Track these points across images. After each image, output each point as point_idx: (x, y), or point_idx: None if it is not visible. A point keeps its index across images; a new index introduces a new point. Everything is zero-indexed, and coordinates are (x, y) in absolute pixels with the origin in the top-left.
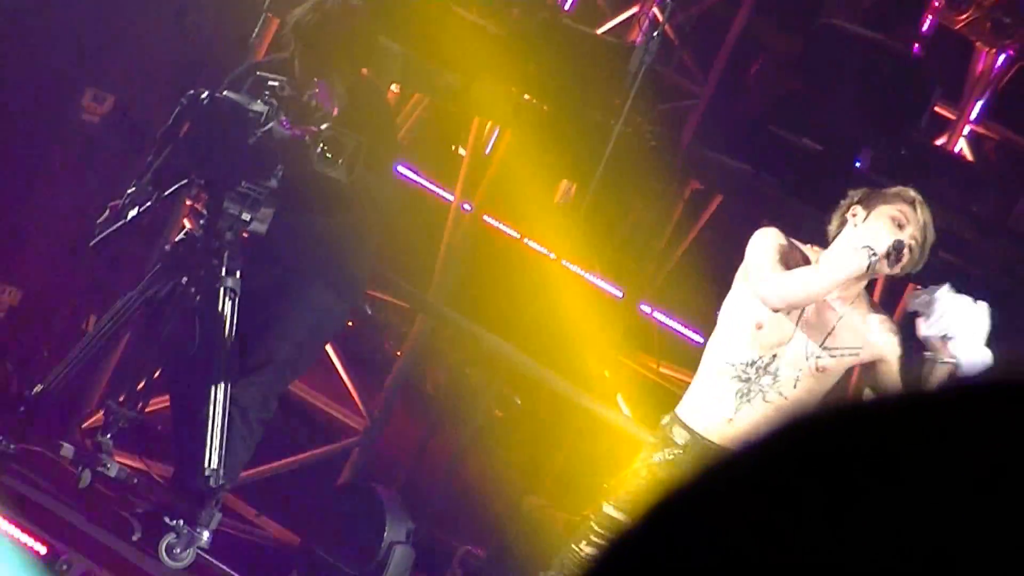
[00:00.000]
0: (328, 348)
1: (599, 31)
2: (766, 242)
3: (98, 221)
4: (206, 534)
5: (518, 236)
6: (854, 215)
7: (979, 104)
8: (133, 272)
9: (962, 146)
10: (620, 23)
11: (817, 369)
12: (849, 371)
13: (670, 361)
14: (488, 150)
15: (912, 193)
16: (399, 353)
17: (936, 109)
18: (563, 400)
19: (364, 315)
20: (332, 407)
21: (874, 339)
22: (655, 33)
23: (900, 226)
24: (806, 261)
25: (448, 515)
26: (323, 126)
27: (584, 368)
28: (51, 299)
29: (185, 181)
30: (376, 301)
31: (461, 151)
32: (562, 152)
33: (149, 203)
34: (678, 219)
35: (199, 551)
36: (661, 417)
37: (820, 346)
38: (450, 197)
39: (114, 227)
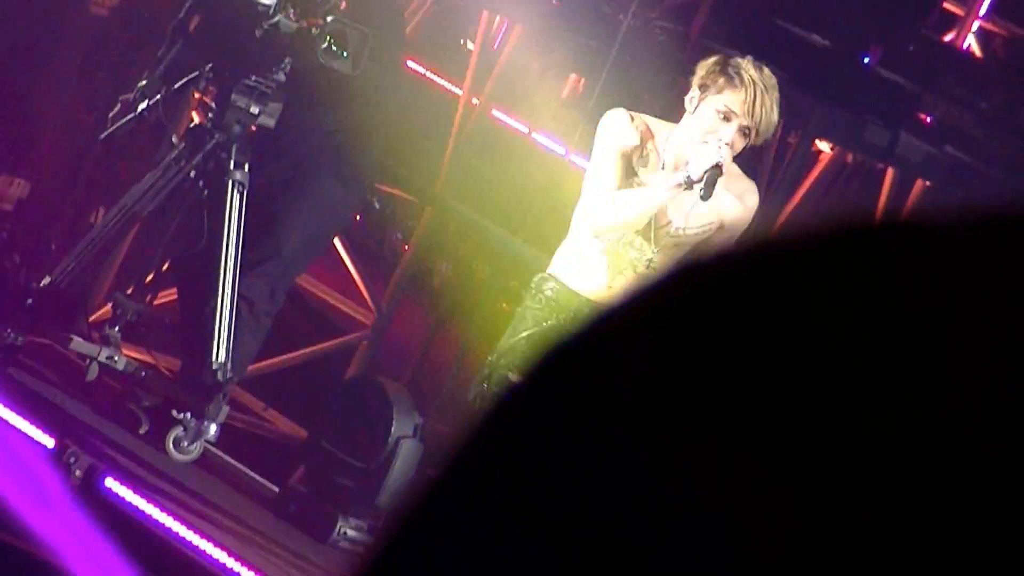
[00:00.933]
0: (335, 241)
1: None
2: (608, 144)
3: (109, 115)
4: (213, 427)
5: (526, 131)
6: (691, 99)
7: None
8: (142, 166)
9: (970, 42)
10: None
11: (675, 246)
12: None
13: None
14: (496, 45)
15: (744, 71)
16: (406, 247)
17: (944, 5)
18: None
19: (371, 208)
20: (339, 301)
21: (725, 209)
22: None
23: (727, 119)
24: (647, 138)
25: (455, 409)
26: (329, 18)
27: None
28: (59, 192)
29: (194, 74)
30: (383, 195)
31: (469, 45)
32: (570, 46)
33: (159, 96)
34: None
35: (206, 444)
36: None
37: (678, 227)
38: (458, 91)
39: (124, 120)
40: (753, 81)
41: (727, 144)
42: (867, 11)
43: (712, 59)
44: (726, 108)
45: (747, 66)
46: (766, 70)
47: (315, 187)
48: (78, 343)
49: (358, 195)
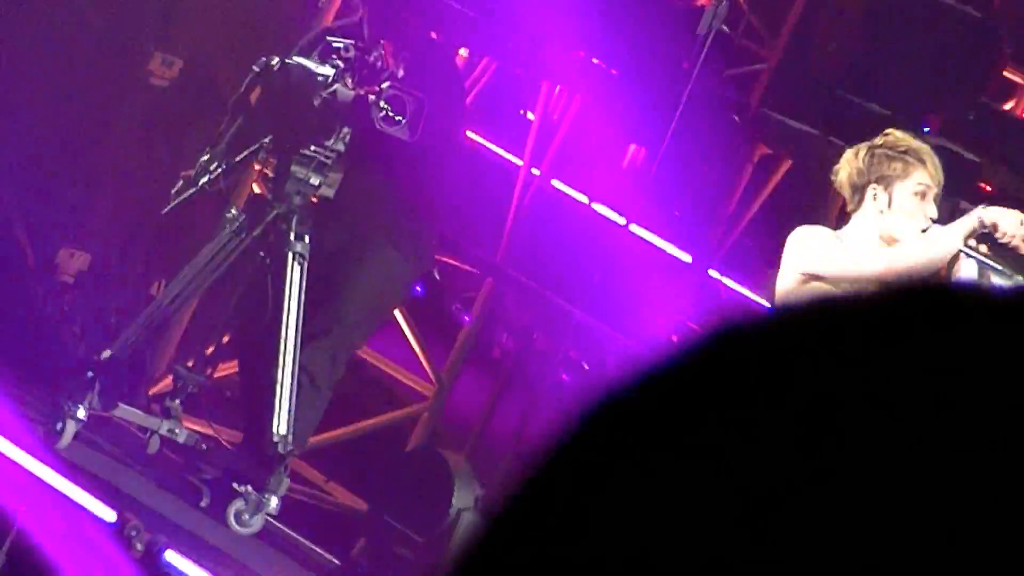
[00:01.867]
0: (396, 312)
1: None
2: (819, 232)
3: (172, 191)
4: (275, 500)
5: (586, 201)
6: (875, 198)
7: None
8: (202, 238)
9: None
10: None
11: None
12: None
13: None
14: (557, 115)
15: (914, 147)
16: (467, 318)
17: (1005, 73)
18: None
19: (432, 279)
20: (400, 372)
21: None
22: None
23: (923, 196)
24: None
25: (516, 481)
26: (385, 85)
27: (652, 333)
28: (120, 264)
29: (255, 146)
30: (444, 266)
31: (530, 116)
32: (631, 116)
33: (220, 169)
34: (747, 184)
35: (268, 517)
36: None
37: None
38: (519, 162)
39: (186, 194)
40: (928, 152)
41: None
42: (926, 80)
43: (865, 150)
44: (923, 187)
45: (909, 139)
46: (912, 134)
47: (375, 256)
48: (139, 416)
49: (418, 265)
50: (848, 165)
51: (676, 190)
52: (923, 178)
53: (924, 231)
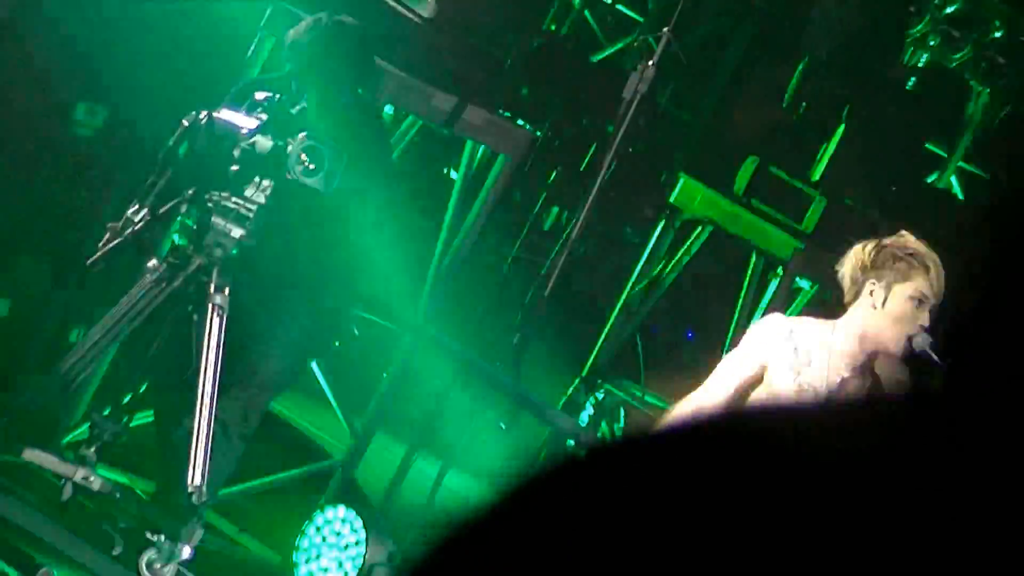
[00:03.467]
0: (314, 366)
1: (594, 58)
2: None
3: (99, 244)
4: (187, 550)
5: (514, 258)
6: (871, 293)
7: (970, 143)
8: (123, 288)
9: (952, 183)
10: (615, 52)
11: None
12: None
13: (656, 387)
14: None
15: (921, 253)
16: (384, 375)
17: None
18: (545, 426)
19: (350, 335)
20: (316, 426)
21: None
22: (650, 62)
23: (921, 303)
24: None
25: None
26: (302, 136)
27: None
28: (39, 311)
29: (178, 199)
30: (363, 321)
31: (453, 174)
32: (553, 177)
33: (145, 221)
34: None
35: (180, 567)
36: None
37: None
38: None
39: (111, 245)
40: (935, 262)
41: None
42: (847, 155)
43: (873, 245)
44: (920, 295)
45: (920, 245)
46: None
47: (294, 312)
48: (54, 462)
49: (337, 321)
50: (854, 257)
51: (597, 253)
52: (923, 285)
53: (911, 338)
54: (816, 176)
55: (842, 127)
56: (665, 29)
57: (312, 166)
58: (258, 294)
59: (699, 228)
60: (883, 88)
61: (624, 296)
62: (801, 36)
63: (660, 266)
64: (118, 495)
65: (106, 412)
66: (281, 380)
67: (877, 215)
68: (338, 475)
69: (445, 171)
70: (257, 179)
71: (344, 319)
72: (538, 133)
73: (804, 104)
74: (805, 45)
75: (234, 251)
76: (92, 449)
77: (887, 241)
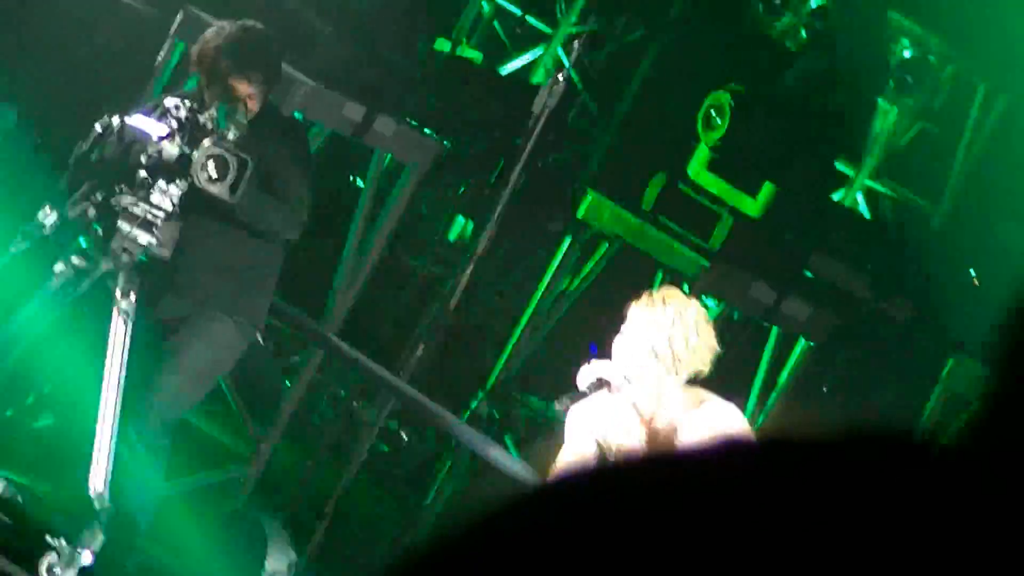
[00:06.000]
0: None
1: (503, 71)
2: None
3: (11, 249)
4: (88, 555)
5: (420, 270)
6: None
7: (877, 161)
8: (31, 291)
9: (859, 202)
10: (524, 65)
11: None
12: None
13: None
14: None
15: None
16: (288, 383)
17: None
18: (450, 438)
19: (256, 343)
20: (222, 435)
21: None
22: (559, 76)
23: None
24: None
25: (331, 548)
26: (206, 142)
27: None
28: None
29: (86, 203)
30: (269, 328)
31: (360, 182)
32: (462, 190)
33: (56, 224)
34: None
35: (81, 572)
36: (552, 459)
37: None
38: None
39: (19, 250)
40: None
41: None
42: (767, 166)
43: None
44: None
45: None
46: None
47: (210, 328)
48: None
49: (250, 335)
50: None
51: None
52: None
53: None
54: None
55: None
56: (575, 42)
57: (216, 175)
58: (179, 308)
59: (606, 243)
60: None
61: (530, 310)
62: (712, 56)
63: (566, 281)
64: (19, 498)
65: (9, 413)
66: (197, 393)
67: (785, 233)
68: (242, 482)
69: (352, 179)
70: (163, 185)
71: (256, 332)
72: (446, 144)
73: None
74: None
75: (141, 257)
76: None
77: None
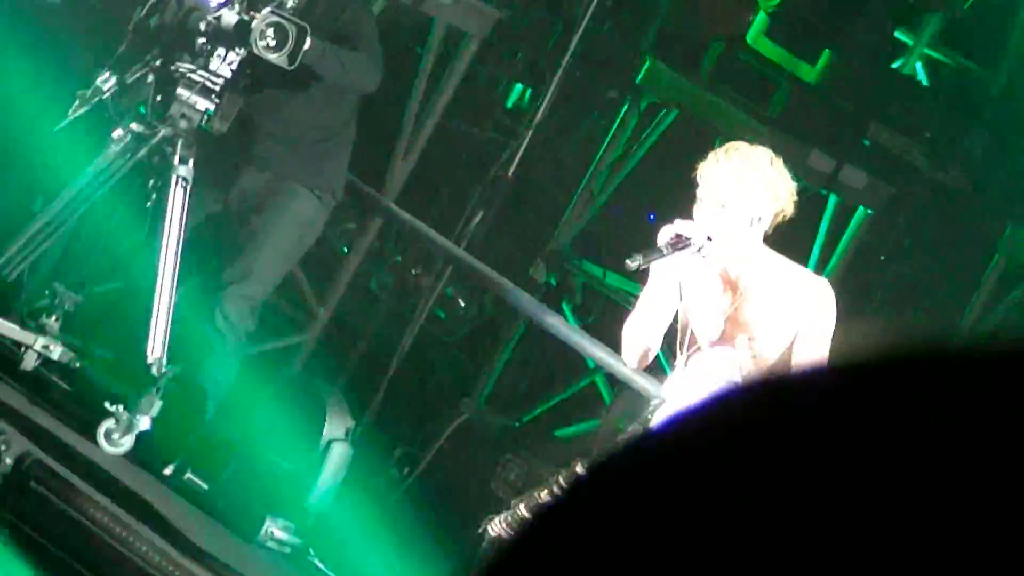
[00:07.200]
0: None
1: None
2: None
3: (69, 112)
4: (146, 420)
5: (478, 137)
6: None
7: (936, 28)
8: (90, 156)
9: (917, 70)
10: None
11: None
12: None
13: (617, 268)
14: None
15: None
16: (347, 251)
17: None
18: (506, 305)
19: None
20: (281, 302)
21: None
22: None
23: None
24: None
25: (388, 414)
26: (265, 10)
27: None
28: (2, 178)
29: (145, 69)
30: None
31: (419, 50)
32: (519, 57)
33: (114, 90)
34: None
35: (138, 437)
36: (609, 327)
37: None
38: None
39: (79, 112)
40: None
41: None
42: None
43: None
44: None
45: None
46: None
47: (294, 205)
48: (15, 331)
49: (329, 209)
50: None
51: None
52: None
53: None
54: (783, 61)
55: None
56: None
57: (274, 42)
58: (262, 185)
59: (664, 111)
60: None
61: (587, 177)
62: None
63: (624, 148)
64: (78, 364)
65: (68, 281)
66: (281, 273)
67: (843, 101)
68: (302, 349)
69: (411, 48)
70: (222, 52)
71: (335, 200)
72: (505, 11)
73: None
74: None
75: (200, 124)
76: (53, 318)
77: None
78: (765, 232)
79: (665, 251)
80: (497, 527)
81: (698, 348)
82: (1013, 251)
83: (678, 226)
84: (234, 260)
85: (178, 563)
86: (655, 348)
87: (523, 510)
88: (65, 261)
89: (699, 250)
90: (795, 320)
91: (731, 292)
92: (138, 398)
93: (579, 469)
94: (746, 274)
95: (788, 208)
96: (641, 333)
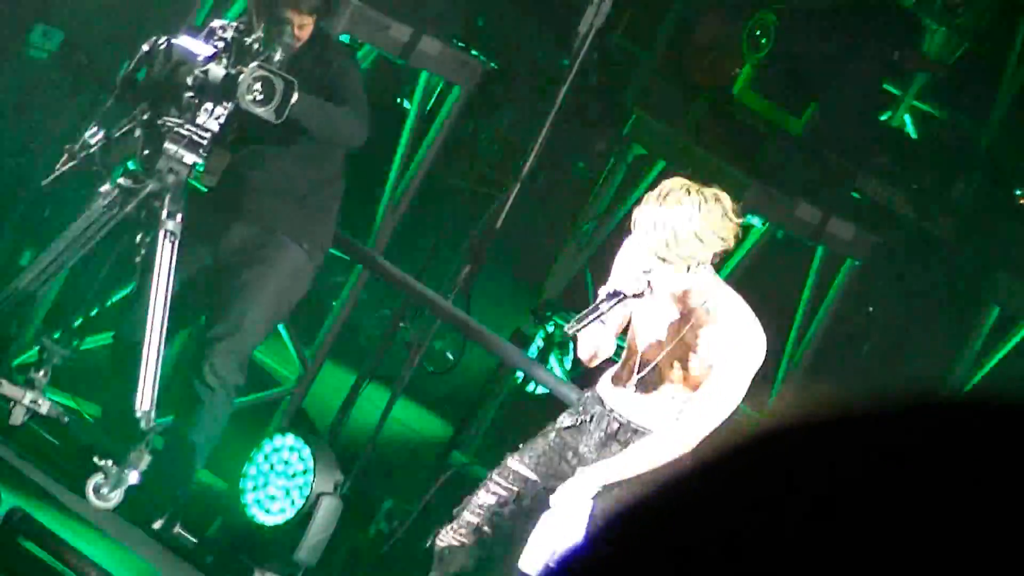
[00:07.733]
0: None
1: None
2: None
3: (56, 166)
4: (135, 474)
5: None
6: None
7: (925, 81)
8: (76, 210)
9: (906, 122)
10: None
11: None
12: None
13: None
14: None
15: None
16: (334, 303)
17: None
18: (495, 358)
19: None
20: (266, 355)
21: None
22: None
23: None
24: None
25: (376, 468)
26: (253, 65)
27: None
28: None
29: (132, 123)
30: None
31: (406, 104)
32: (507, 110)
33: (99, 144)
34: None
35: (127, 491)
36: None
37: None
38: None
39: (66, 167)
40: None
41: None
42: (811, 81)
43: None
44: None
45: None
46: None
47: (283, 256)
48: (2, 385)
49: (318, 261)
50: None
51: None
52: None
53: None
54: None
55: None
56: None
57: (262, 96)
58: (252, 238)
59: (651, 163)
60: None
61: (575, 230)
62: None
63: (611, 200)
64: (66, 419)
65: (56, 335)
66: (270, 327)
67: (830, 153)
68: (287, 403)
69: (399, 101)
70: (209, 106)
71: (322, 256)
72: (493, 65)
73: (763, 40)
74: None
75: (187, 178)
76: (41, 372)
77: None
78: (713, 262)
79: (603, 308)
80: (447, 538)
81: (646, 370)
82: (1004, 300)
83: (617, 282)
84: (223, 314)
85: None
86: (604, 352)
87: (468, 515)
88: (54, 315)
89: (639, 296)
90: (712, 356)
91: (674, 323)
92: (127, 452)
93: (510, 462)
94: (687, 307)
95: (729, 244)
96: (591, 336)
